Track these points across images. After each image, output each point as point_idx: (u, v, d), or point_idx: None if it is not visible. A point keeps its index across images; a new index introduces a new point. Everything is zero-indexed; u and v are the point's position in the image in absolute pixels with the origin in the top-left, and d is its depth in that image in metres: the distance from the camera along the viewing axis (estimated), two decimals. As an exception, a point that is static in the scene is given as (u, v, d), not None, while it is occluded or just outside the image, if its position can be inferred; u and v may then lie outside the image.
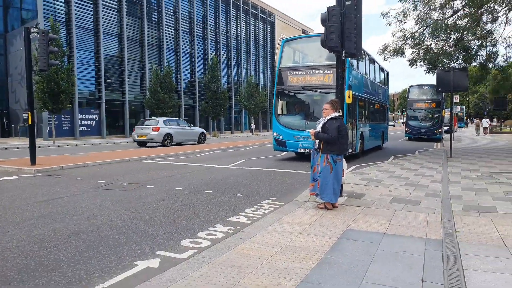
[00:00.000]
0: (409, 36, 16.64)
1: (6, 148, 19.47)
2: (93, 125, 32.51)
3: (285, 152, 15.13)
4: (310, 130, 6.28)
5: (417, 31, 16.52)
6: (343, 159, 6.11)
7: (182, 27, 41.24)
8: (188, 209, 6.06)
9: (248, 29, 53.21)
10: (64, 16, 30.15)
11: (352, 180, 8.42)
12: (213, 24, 46.63)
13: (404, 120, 30.40)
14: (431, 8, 15.92)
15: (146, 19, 36.76)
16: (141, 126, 21.49)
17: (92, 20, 32.15)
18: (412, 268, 3.47)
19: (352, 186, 7.64)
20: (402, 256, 3.79)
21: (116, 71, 34.75)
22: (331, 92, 11.18)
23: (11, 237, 4.54)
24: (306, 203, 6.21)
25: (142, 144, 21.54)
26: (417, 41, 16.60)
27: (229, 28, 49.11)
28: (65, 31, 29.25)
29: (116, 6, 34.25)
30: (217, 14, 47.00)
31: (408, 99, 28.17)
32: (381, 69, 18.92)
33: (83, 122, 31.45)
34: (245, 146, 21.31)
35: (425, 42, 16.76)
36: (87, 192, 7.47)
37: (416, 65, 17.01)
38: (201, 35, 44.63)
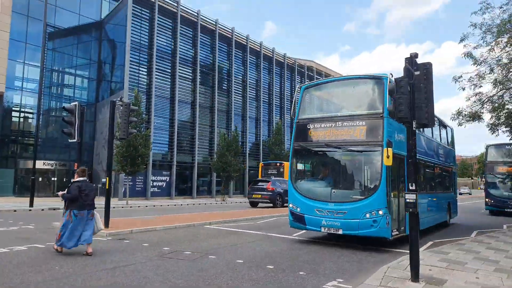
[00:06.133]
0: (486, 100, 15.57)
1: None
2: (164, 186, 34.09)
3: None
4: (59, 193, 8.39)
5: (495, 94, 15.47)
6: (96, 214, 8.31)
7: (249, 94, 43.48)
8: (249, 287, 5.78)
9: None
10: (145, 86, 33.45)
11: (430, 261, 7.57)
12: (278, 91, 48.64)
13: (484, 188, 25.38)
14: (511, 71, 14.93)
15: (217, 88, 39.35)
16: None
17: (169, 89, 35.22)
18: None
19: (430, 269, 6.84)
20: None
21: (188, 135, 36.93)
22: (364, 151, 9.51)
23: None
24: (378, 289, 5.62)
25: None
26: (496, 104, 15.44)
27: (293, 94, 50.66)
28: (145, 100, 32.21)
29: (191, 77, 37.36)
30: (283, 81, 49.16)
31: (486, 161, 23.40)
32: (442, 124, 15.71)
33: (154, 184, 33.15)
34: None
35: (506, 106, 15.51)
36: (152, 260, 7.55)
37: (498, 131, 15.73)
38: (267, 101, 46.56)
